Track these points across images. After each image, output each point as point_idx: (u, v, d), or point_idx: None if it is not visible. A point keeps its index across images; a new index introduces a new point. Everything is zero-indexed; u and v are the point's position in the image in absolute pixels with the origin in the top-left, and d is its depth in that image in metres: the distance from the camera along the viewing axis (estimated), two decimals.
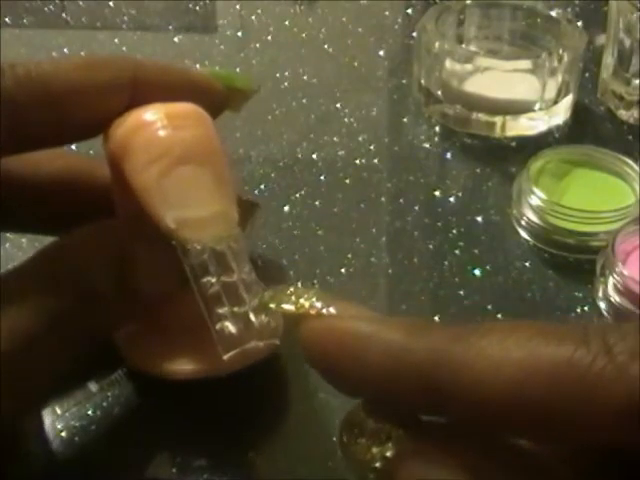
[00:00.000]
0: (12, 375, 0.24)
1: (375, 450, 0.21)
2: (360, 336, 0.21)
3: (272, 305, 0.24)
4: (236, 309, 0.26)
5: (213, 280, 0.26)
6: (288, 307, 0.23)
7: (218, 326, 0.26)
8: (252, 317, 0.26)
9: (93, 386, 0.33)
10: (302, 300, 0.23)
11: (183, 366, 0.31)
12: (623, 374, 0.18)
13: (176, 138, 0.27)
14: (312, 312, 0.22)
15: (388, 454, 0.21)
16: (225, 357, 0.25)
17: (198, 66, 0.54)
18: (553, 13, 0.50)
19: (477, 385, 0.19)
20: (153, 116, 0.27)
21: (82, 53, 0.55)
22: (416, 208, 0.43)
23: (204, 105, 0.29)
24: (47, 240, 0.29)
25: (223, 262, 0.26)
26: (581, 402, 0.18)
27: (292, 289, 0.24)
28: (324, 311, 0.22)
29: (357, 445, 0.21)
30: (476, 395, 0.19)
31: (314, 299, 0.23)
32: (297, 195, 0.44)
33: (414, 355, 0.20)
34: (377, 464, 0.21)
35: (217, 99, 0.29)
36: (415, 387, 0.20)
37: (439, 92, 0.48)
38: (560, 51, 0.47)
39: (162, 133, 0.27)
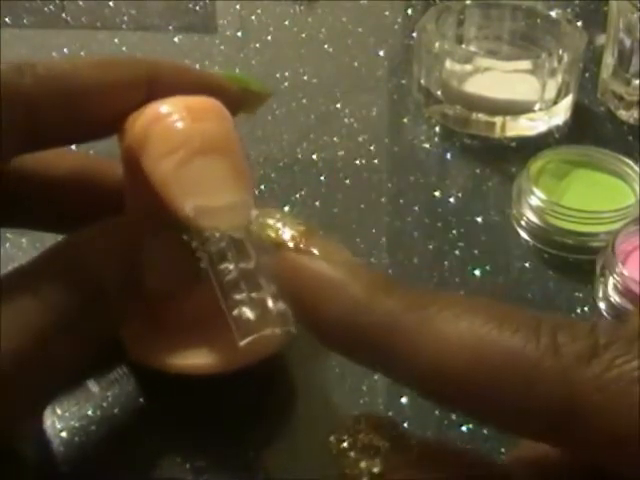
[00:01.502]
0: (19, 373, 0.24)
1: (363, 465, 0.21)
2: (324, 284, 0.21)
3: (254, 227, 0.24)
4: (254, 295, 0.26)
5: (231, 267, 0.26)
6: (268, 234, 0.23)
7: (235, 312, 0.26)
8: (270, 303, 0.26)
9: (93, 386, 0.33)
10: (285, 229, 0.23)
11: (190, 361, 0.31)
12: (565, 377, 0.18)
13: (195, 129, 0.27)
14: (290, 244, 0.22)
15: (375, 470, 0.21)
16: (241, 343, 0.25)
17: (198, 66, 0.54)
18: (553, 13, 0.50)
19: (425, 360, 0.19)
20: (172, 108, 0.28)
21: (82, 53, 0.55)
22: (416, 208, 0.43)
23: None
24: (50, 240, 0.29)
25: (241, 249, 0.26)
26: (523, 396, 0.18)
27: (280, 215, 0.23)
28: (302, 246, 0.22)
29: (346, 459, 0.21)
30: (422, 369, 0.19)
31: (296, 231, 0.22)
32: (297, 195, 0.44)
33: (370, 316, 0.20)
34: (364, 479, 0.21)
35: (232, 101, 0.29)
36: (366, 345, 0.20)
37: (439, 92, 0.48)
38: (560, 51, 0.47)
39: (181, 124, 0.27)
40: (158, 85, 0.28)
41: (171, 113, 0.28)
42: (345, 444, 0.21)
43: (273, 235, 0.23)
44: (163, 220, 0.28)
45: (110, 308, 0.27)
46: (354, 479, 0.21)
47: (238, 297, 0.26)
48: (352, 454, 0.21)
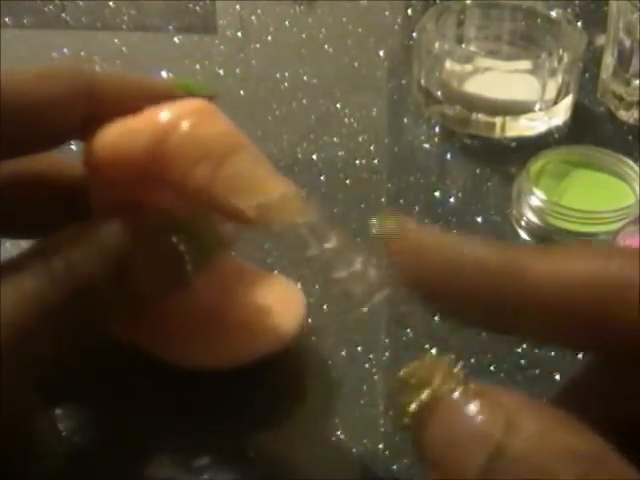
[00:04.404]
0: (5, 369, 0.24)
1: (415, 394, 0.21)
2: (450, 248, 0.23)
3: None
4: (351, 269, 0.26)
5: (317, 252, 0.26)
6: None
7: (341, 291, 0.26)
8: (368, 272, 0.26)
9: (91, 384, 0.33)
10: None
11: (198, 356, 0.31)
12: None
13: (213, 133, 0.27)
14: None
15: (424, 397, 0.21)
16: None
17: (198, 67, 0.54)
18: (553, 13, 0.50)
19: (551, 277, 0.21)
20: (173, 116, 0.27)
21: (82, 53, 0.55)
22: (416, 208, 0.43)
23: None
24: None
25: (319, 231, 0.26)
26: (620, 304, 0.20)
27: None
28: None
29: (403, 393, 0.22)
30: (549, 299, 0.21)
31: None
32: None
33: (498, 260, 0.22)
34: (413, 406, 0.21)
35: None
36: (493, 290, 0.22)
37: (439, 92, 0.48)
38: (560, 51, 0.47)
39: (199, 130, 0.27)
40: (99, 96, 0.28)
41: (175, 122, 0.27)
42: (411, 380, 0.22)
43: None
44: (153, 222, 0.27)
45: (97, 305, 0.27)
46: (404, 408, 0.21)
47: (337, 276, 0.26)
48: (410, 384, 0.21)
